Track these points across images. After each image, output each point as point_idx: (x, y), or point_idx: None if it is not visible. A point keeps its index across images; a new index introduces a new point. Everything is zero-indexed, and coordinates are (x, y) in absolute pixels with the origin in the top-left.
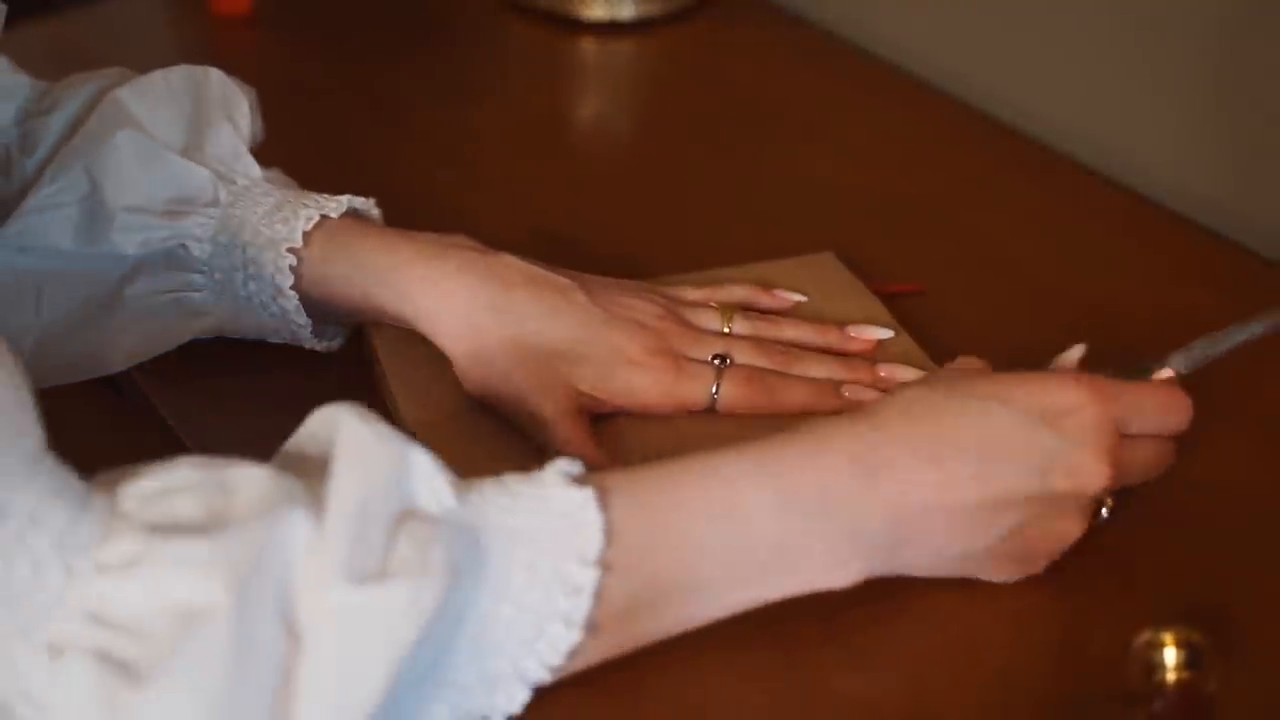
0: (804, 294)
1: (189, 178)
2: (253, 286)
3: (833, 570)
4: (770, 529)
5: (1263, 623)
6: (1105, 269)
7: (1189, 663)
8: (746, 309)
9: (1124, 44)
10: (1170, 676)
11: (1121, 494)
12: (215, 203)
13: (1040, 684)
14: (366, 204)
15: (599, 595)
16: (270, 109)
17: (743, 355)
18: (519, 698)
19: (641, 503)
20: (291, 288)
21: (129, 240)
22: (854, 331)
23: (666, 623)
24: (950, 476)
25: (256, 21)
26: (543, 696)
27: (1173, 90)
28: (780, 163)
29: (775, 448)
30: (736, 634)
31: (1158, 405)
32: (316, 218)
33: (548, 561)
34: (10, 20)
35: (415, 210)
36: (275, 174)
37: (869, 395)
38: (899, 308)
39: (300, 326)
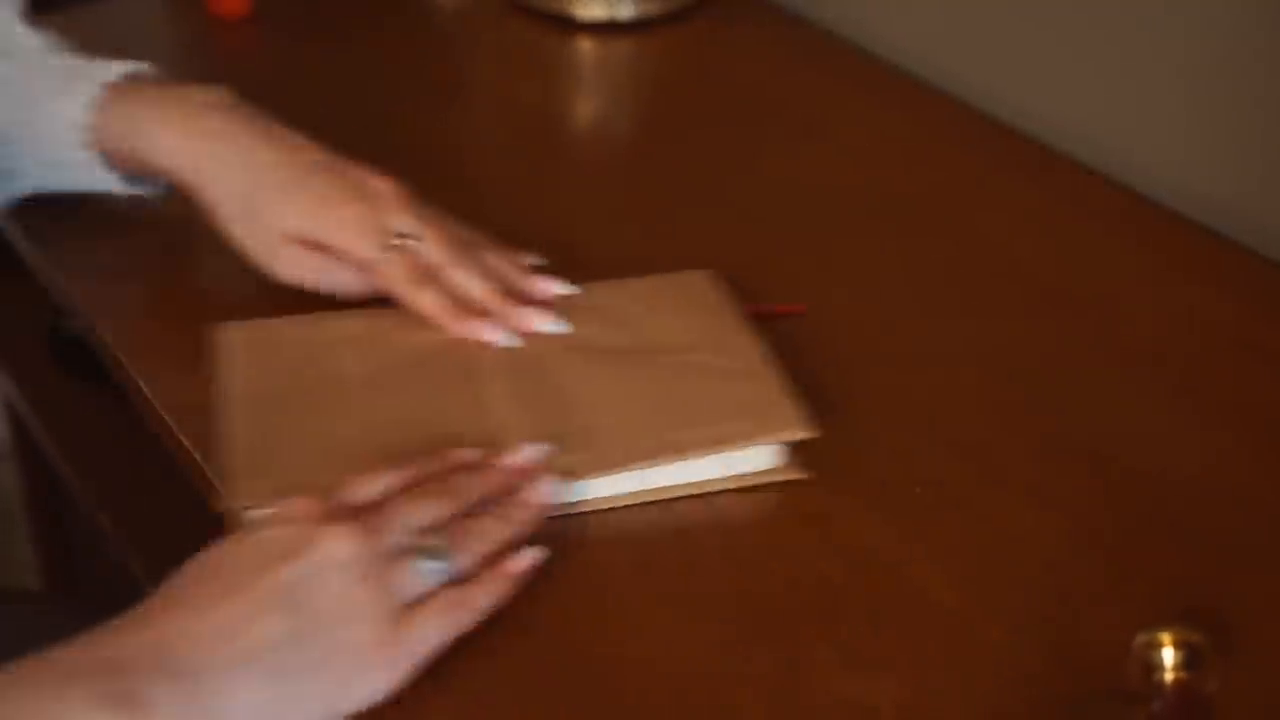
0: (670, 309)
1: None
2: (50, 152)
3: None
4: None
5: (1261, 623)
6: (1105, 269)
7: (1188, 663)
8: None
9: (1124, 44)
10: (1169, 676)
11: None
12: (2, 79)
13: (1040, 684)
14: (144, 69)
15: None
16: (269, 108)
17: (425, 247)
18: None
19: None
20: (98, 150)
21: None
22: (541, 282)
23: None
24: (193, 602)
25: (256, 21)
26: (540, 697)
27: (1173, 90)
28: (780, 163)
29: (10, 696)
30: (736, 635)
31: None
32: (99, 90)
33: None
34: None
35: None
36: (51, 37)
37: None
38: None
39: (106, 180)
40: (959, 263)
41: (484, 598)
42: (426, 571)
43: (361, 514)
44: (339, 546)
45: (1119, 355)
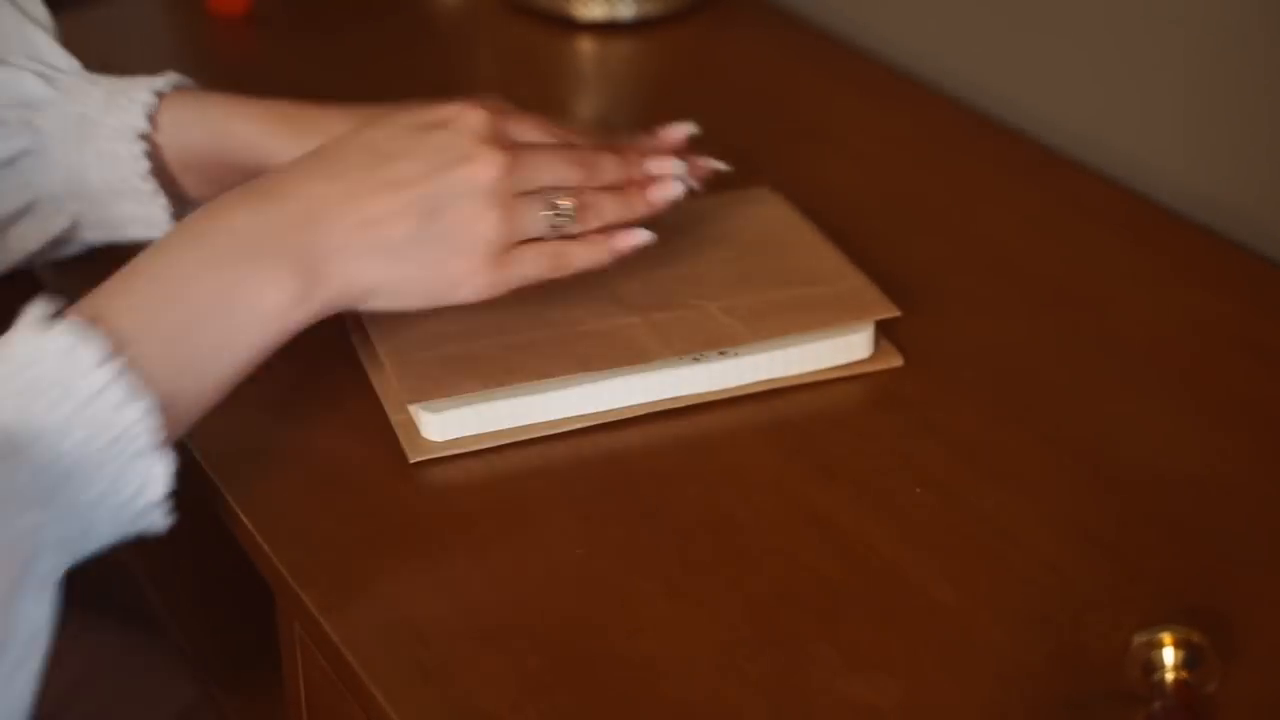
0: (743, 228)
1: (13, 84)
2: (110, 174)
3: (288, 295)
4: (209, 291)
5: (1262, 623)
6: (1105, 269)
7: (1188, 662)
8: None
9: (1126, 43)
10: (1169, 676)
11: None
12: (48, 102)
13: (1039, 684)
14: (187, 80)
15: (143, 376)
16: None
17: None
18: (157, 472)
19: (134, 312)
20: (151, 172)
21: None
22: (660, 134)
23: (223, 380)
24: (351, 185)
25: (256, 21)
26: (540, 697)
27: (1173, 90)
28: (780, 163)
29: (196, 214)
30: (736, 635)
31: (553, 155)
32: (153, 98)
33: (73, 393)
34: None
35: None
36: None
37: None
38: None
39: (161, 208)
40: (959, 263)
41: (581, 258)
42: (545, 221)
43: (515, 148)
44: (487, 172)
45: (1119, 355)
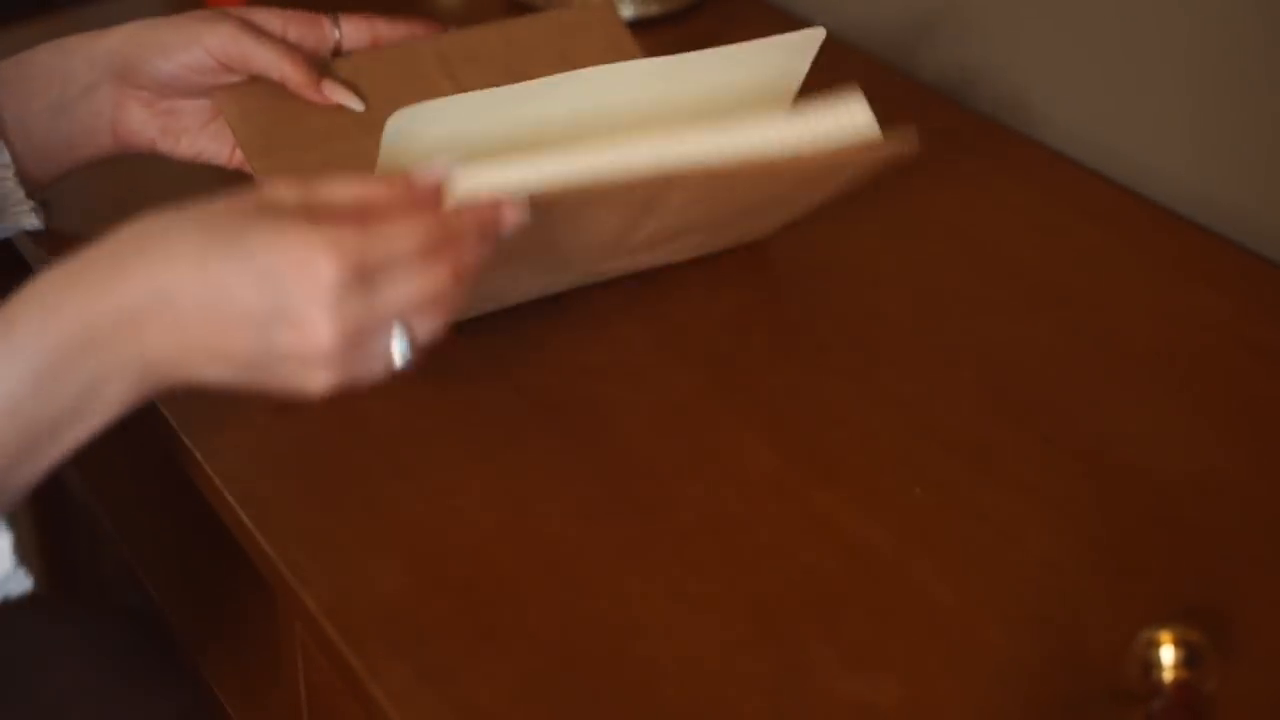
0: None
1: None
2: None
3: (116, 402)
4: (34, 413)
5: (1262, 622)
6: (1105, 269)
7: (1187, 661)
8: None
9: (1127, 43)
10: (1168, 675)
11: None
12: None
13: (1039, 683)
14: None
15: None
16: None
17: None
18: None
19: None
20: None
21: None
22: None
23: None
24: (186, 337)
25: None
26: (540, 697)
27: (1174, 90)
28: None
29: (8, 321)
30: (737, 635)
31: (407, 235)
32: None
33: None
34: (10, 20)
35: None
36: None
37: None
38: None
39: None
40: (959, 263)
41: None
42: (395, 354)
43: (358, 319)
44: (332, 282)
45: (1119, 355)
